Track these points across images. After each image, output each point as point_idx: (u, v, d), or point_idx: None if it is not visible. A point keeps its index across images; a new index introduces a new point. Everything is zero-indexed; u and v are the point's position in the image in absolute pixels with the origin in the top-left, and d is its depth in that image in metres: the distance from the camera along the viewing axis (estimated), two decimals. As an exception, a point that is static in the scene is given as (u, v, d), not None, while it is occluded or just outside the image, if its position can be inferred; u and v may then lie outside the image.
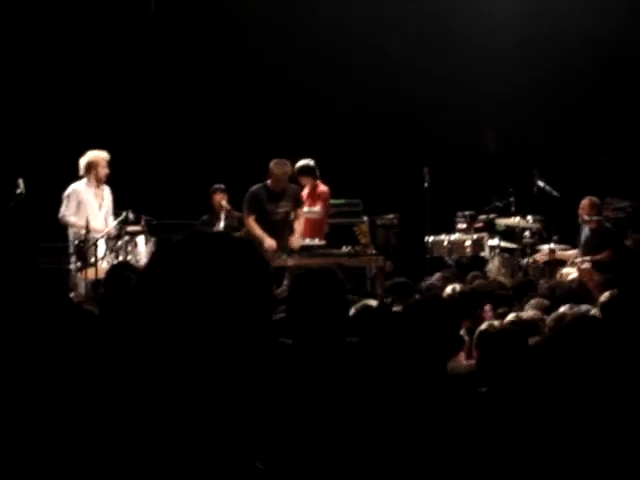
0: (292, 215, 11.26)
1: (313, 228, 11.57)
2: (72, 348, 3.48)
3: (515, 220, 12.36)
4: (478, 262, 12.20)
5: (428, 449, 3.38)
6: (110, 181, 10.94)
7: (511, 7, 14.31)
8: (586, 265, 11.22)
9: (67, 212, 10.68)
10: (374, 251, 11.44)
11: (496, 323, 5.22)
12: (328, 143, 13.44)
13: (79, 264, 10.33)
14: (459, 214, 12.88)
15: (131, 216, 10.71)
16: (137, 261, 10.02)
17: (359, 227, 11.89)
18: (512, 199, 12.40)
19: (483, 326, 4.96)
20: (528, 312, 5.97)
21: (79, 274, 10.32)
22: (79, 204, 10.66)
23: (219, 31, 14.29)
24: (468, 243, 12.48)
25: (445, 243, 12.52)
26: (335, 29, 14.02)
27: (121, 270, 7.59)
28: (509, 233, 12.59)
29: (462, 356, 5.80)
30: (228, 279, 1.66)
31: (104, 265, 9.97)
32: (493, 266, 11.95)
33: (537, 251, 12.14)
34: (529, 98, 13.89)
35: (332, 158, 12.32)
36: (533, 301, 7.03)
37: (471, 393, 3.80)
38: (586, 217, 11.47)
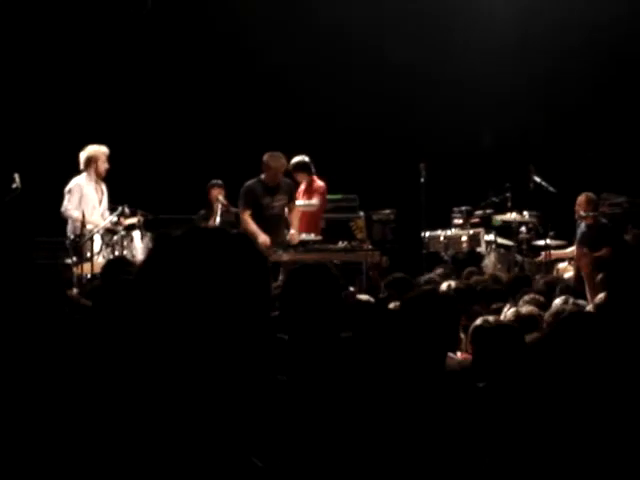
0: (287, 209, 11.26)
1: (309, 223, 11.57)
2: (69, 343, 3.48)
3: (511, 216, 12.37)
4: (474, 257, 12.21)
5: (425, 444, 3.38)
6: (106, 176, 10.93)
7: (511, 5, 14.32)
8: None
9: (70, 206, 10.67)
10: (370, 246, 11.45)
11: (491, 319, 5.21)
12: (325, 139, 13.45)
13: (75, 259, 10.32)
14: (455, 209, 12.90)
15: (127, 211, 10.71)
16: (133, 256, 10.01)
17: (355, 222, 11.90)
18: (508, 195, 12.41)
19: (478, 322, 4.96)
20: (526, 308, 5.97)
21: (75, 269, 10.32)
22: (81, 198, 10.66)
23: (218, 29, 14.31)
24: (464, 238, 12.50)
25: (441, 238, 12.53)
26: (335, 29, 14.03)
27: (117, 265, 7.58)
28: (505, 229, 12.60)
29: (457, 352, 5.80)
30: (226, 274, 1.66)
31: (100, 260, 9.96)
32: (489, 261, 11.97)
33: (533, 247, 12.17)
34: (528, 96, 13.90)
35: (329, 154, 12.32)
36: (527, 297, 7.03)
37: (469, 388, 3.80)
38: (582, 213, 11.47)
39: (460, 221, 12.72)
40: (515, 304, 6.96)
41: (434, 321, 3.90)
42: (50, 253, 11.06)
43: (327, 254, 10.83)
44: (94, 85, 13.70)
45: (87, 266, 10.13)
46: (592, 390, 3.41)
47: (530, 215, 12.39)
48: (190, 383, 1.63)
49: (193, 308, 1.63)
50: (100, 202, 10.81)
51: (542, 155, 12.98)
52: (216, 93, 14.24)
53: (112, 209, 10.80)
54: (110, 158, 10.85)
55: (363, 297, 6.86)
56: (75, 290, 9.30)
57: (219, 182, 12.43)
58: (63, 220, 10.82)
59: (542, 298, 6.97)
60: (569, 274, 10.92)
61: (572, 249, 11.85)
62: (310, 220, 11.62)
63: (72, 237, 10.43)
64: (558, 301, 6.58)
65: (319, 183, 11.70)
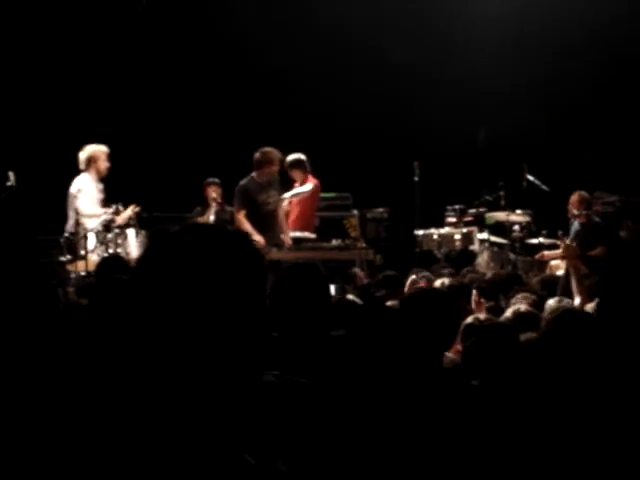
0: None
1: (303, 221, 11.58)
2: (64, 341, 3.48)
3: (504, 214, 12.39)
4: (467, 256, 12.23)
5: (421, 443, 3.39)
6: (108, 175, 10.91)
7: (511, 5, 14.34)
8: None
9: (85, 206, 10.62)
10: (364, 244, 11.46)
11: (482, 316, 5.23)
12: (320, 138, 13.45)
13: (69, 256, 10.30)
14: (449, 208, 12.91)
15: (121, 209, 10.70)
16: (127, 254, 9.99)
17: (349, 220, 11.92)
18: (502, 193, 12.43)
19: (469, 319, 4.97)
20: (525, 306, 5.97)
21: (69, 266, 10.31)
22: (90, 197, 10.65)
23: (217, 29, 14.30)
24: (458, 237, 12.51)
25: (435, 237, 12.55)
26: (335, 29, 14.03)
27: (112, 263, 7.57)
28: (498, 227, 12.62)
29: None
30: (223, 271, 1.66)
31: (94, 258, 9.95)
32: (482, 260, 11.98)
33: (526, 245, 12.18)
34: (528, 96, 13.91)
35: (323, 152, 12.33)
36: (520, 295, 7.04)
37: (463, 386, 3.81)
38: (575, 211, 11.49)
39: (453, 219, 12.74)
40: (507, 302, 6.97)
41: (432, 319, 3.90)
42: (44, 251, 11.04)
43: (321, 252, 10.83)
44: (90, 83, 13.68)
45: (81, 264, 10.12)
46: (588, 388, 3.42)
47: (523, 213, 12.41)
48: (186, 380, 1.62)
49: (189, 305, 1.63)
50: (100, 201, 10.80)
51: (536, 154, 13.00)
52: (214, 91, 14.24)
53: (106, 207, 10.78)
54: (107, 156, 10.84)
55: (350, 297, 6.85)
56: (69, 288, 9.30)
57: (216, 180, 12.44)
58: (62, 218, 10.80)
59: (535, 296, 6.98)
60: (562, 271, 10.94)
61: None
62: (304, 218, 11.63)
63: (66, 235, 10.40)
64: (551, 302, 6.59)
65: (313, 181, 11.71)
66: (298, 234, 11.27)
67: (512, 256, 12.02)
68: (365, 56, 14.26)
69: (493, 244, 12.37)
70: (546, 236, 11.97)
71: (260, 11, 14.17)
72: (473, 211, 12.77)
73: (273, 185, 11.14)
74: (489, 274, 9.26)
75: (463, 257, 12.13)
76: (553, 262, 11.46)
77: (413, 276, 7.66)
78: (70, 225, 10.64)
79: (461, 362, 4.52)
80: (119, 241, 10.30)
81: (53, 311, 3.62)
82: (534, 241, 12.04)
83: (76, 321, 4.07)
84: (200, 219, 11.78)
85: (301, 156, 11.58)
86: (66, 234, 10.47)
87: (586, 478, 3.26)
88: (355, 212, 12.51)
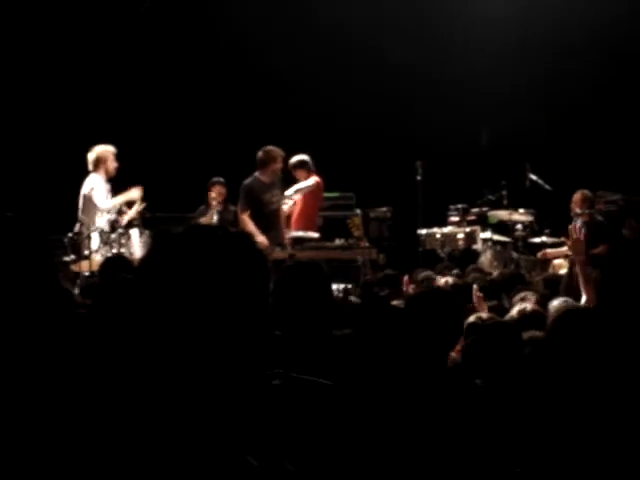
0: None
1: (307, 220, 11.59)
2: (67, 341, 3.49)
3: (507, 213, 12.39)
4: (470, 255, 12.22)
5: (426, 441, 3.39)
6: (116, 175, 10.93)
7: (511, 5, 14.33)
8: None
9: (103, 201, 10.63)
10: (367, 244, 11.46)
11: (484, 315, 5.22)
12: (323, 137, 13.45)
13: (73, 256, 10.31)
14: (452, 207, 12.90)
15: (124, 209, 10.71)
16: (131, 254, 10.00)
17: (352, 220, 11.90)
18: (504, 192, 12.42)
19: (471, 318, 4.97)
20: (531, 305, 5.95)
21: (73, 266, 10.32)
22: (104, 193, 10.67)
23: (218, 29, 14.29)
24: (461, 236, 12.50)
25: (438, 236, 12.54)
26: (335, 29, 14.02)
27: (115, 263, 7.58)
28: (501, 226, 12.62)
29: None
30: (226, 272, 1.66)
31: (98, 258, 9.96)
32: (485, 259, 11.98)
33: (529, 244, 12.18)
34: (528, 96, 13.90)
35: (326, 152, 12.33)
36: (522, 294, 7.03)
37: (467, 386, 3.81)
38: (578, 210, 11.48)
39: (456, 219, 12.73)
40: (510, 301, 6.97)
41: (439, 319, 3.90)
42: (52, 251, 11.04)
43: (324, 252, 10.84)
44: (93, 84, 13.69)
45: (85, 264, 10.13)
46: (592, 387, 3.42)
47: (526, 213, 12.41)
48: (188, 380, 1.63)
49: (192, 306, 1.64)
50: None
51: (539, 154, 12.99)
52: (215, 92, 14.24)
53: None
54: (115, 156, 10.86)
55: (353, 299, 6.86)
56: (72, 287, 9.32)
57: (220, 179, 12.45)
58: (65, 218, 10.80)
59: (538, 296, 6.98)
60: (564, 270, 10.94)
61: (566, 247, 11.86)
62: (307, 217, 11.63)
63: (70, 235, 10.41)
64: (556, 302, 6.58)
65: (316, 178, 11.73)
66: (301, 233, 11.28)
67: (515, 255, 12.02)
68: (365, 56, 14.25)
69: (496, 243, 12.36)
70: (549, 235, 11.96)
71: (260, 11, 14.17)
72: (476, 210, 12.76)
73: (276, 184, 11.17)
74: (495, 273, 9.26)
75: (466, 256, 12.12)
76: (556, 261, 11.46)
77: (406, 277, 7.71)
78: (80, 226, 10.60)
79: (461, 360, 4.52)
80: (123, 241, 10.31)
81: (67, 313, 3.63)
82: (537, 240, 12.03)
83: (82, 322, 4.09)
84: (203, 219, 11.78)
85: (304, 157, 11.61)
86: (71, 234, 10.46)
87: (587, 476, 3.26)
88: (358, 211, 12.50)
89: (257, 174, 11.07)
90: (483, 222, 12.62)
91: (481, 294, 6.30)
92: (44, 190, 12.19)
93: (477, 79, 14.00)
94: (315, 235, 11.37)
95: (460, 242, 12.48)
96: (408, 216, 12.77)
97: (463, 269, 9.98)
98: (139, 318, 1.68)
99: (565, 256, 11.53)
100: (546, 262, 11.62)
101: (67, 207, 10.97)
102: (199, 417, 1.63)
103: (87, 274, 9.97)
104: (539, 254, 11.87)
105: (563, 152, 13.67)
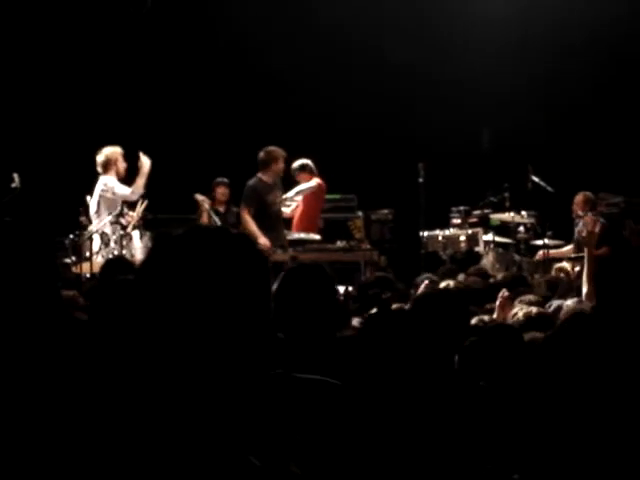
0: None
1: (308, 221, 11.59)
2: (67, 343, 3.48)
3: (509, 215, 12.38)
4: (473, 257, 12.21)
5: (431, 443, 3.38)
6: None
7: (511, 5, 14.32)
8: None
9: (127, 189, 10.60)
10: (369, 246, 11.46)
11: (486, 318, 5.21)
12: (324, 139, 13.45)
13: (74, 258, 10.31)
14: (454, 209, 12.90)
15: (125, 210, 10.70)
16: (132, 255, 10.00)
17: (354, 222, 11.91)
18: (506, 194, 12.41)
19: (473, 321, 4.96)
20: (534, 308, 5.94)
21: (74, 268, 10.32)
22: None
23: (218, 29, 14.30)
24: (463, 238, 12.50)
25: (440, 238, 12.53)
26: (335, 29, 14.03)
27: (116, 265, 7.57)
28: (503, 228, 12.61)
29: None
30: (226, 274, 1.66)
31: (99, 259, 9.96)
32: (487, 261, 11.96)
33: (531, 246, 12.17)
34: (528, 96, 13.90)
35: (327, 153, 12.33)
36: (525, 297, 7.01)
37: (471, 387, 3.80)
38: (580, 212, 11.47)
39: (458, 221, 12.72)
40: (512, 304, 6.94)
41: (445, 321, 3.89)
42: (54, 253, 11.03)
43: (325, 253, 10.84)
44: (94, 85, 13.69)
45: (86, 265, 10.13)
46: (592, 390, 3.41)
47: (528, 215, 12.39)
48: (188, 381, 1.63)
49: (193, 307, 1.64)
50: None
51: (539, 155, 12.99)
52: (215, 92, 14.24)
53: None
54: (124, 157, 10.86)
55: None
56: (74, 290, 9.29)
57: (224, 180, 12.48)
58: (65, 220, 10.78)
59: (540, 298, 6.96)
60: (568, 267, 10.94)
61: (568, 248, 11.85)
62: (308, 219, 11.64)
63: (71, 237, 10.39)
64: (556, 302, 6.56)
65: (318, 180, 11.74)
66: (303, 235, 11.28)
67: (517, 257, 12.00)
68: (365, 56, 14.25)
69: (498, 245, 12.35)
70: (551, 237, 11.95)
71: (260, 11, 14.17)
72: (478, 212, 12.75)
73: (278, 185, 11.19)
74: (499, 276, 9.23)
75: (468, 259, 12.11)
76: (558, 265, 11.44)
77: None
78: (97, 224, 10.54)
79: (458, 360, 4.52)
80: (124, 243, 10.30)
81: (55, 311, 3.61)
82: (539, 242, 12.02)
83: (76, 323, 4.07)
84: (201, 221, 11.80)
85: (306, 160, 11.64)
86: (89, 233, 10.40)
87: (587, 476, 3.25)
88: (360, 214, 12.51)
89: (259, 175, 11.07)
90: (485, 224, 12.61)
91: (508, 294, 6.27)
92: (44, 190, 12.17)
93: (477, 79, 14.00)
94: (316, 237, 11.37)
95: (462, 244, 12.47)
96: (410, 218, 12.76)
97: (465, 272, 9.96)
98: (139, 319, 1.68)
99: (568, 258, 11.51)
100: (548, 264, 11.61)
101: (67, 208, 10.97)
102: (200, 418, 1.62)
103: (88, 276, 9.96)
104: (537, 254, 11.87)
105: (564, 153, 13.66)
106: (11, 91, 13.45)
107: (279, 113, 13.98)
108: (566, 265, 11.31)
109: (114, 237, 10.32)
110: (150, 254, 1.74)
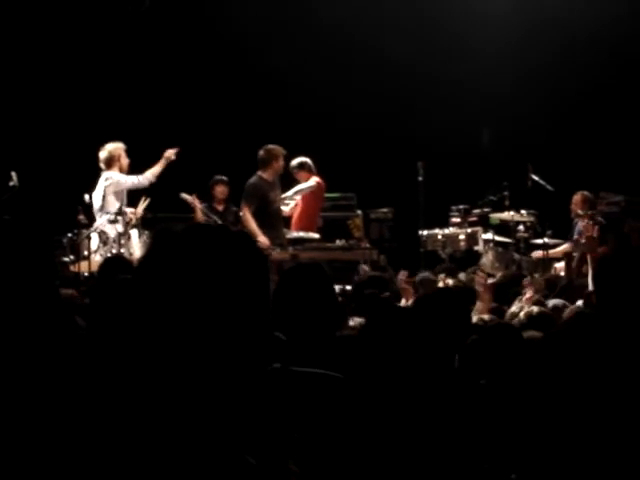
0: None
1: (307, 220, 11.59)
2: (66, 342, 3.47)
3: (509, 214, 12.37)
4: (472, 256, 12.21)
5: (431, 441, 3.37)
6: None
7: (511, 5, 14.32)
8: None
9: (135, 178, 10.61)
10: (368, 245, 11.46)
11: (486, 317, 5.22)
12: (323, 138, 13.46)
13: (72, 257, 10.30)
14: (453, 208, 12.89)
15: (124, 209, 10.69)
16: (130, 254, 10.00)
17: (353, 221, 11.90)
18: (506, 193, 12.41)
19: (473, 319, 4.96)
20: (535, 308, 5.95)
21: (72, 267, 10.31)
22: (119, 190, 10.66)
23: (218, 29, 14.30)
24: (462, 237, 12.50)
25: (439, 237, 12.53)
26: (335, 29, 14.03)
27: (114, 263, 7.56)
28: (503, 227, 12.61)
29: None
30: (225, 271, 1.66)
31: (97, 258, 9.95)
32: (487, 260, 11.96)
33: (531, 245, 12.17)
34: (528, 95, 13.90)
35: (327, 152, 12.33)
36: (524, 296, 7.02)
37: (472, 386, 3.80)
38: (579, 212, 11.47)
39: (458, 220, 12.71)
40: (510, 303, 6.96)
41: (447, 319, 3.88)
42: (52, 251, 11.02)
43: (324, 252, 10.84)
44: (92, 83, 13.69)
45: (84, 264, 10.12)
46: (595, 390, 3.41)
47: (528, 214, 12.39)
48: (187, 380, 1.62)
49: (192, 305, 1.63)
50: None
51: (541, 154, 12.99)
52: (215, 92, 14.24)
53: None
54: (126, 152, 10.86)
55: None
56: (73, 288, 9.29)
57: (223, 178, 12.48)
58: (63, 218, 10.77)
59: (540, 297, 6.97)
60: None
61: (565, 246, 11.83)
62: (307, 218, 11.64)
63: (69, 235, 10.38)
64: (553, 301, 6.57)
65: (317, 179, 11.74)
66: (302, 234, 11.28)
67: (517, 256, 12.00)
68: (365, 56, 14.26)
69: (498, 244, 12.35)
70: (551, 236, 11.94)
71: (260, 11, 14.17)
72: (477, 211, 12.75)
73: (277, 183, 11.22)
74: (498, 276, 9.24)
75: (468, 257, 12.11)
76: (557, 265, 11.44)
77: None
78: (103, 219, 10.51)
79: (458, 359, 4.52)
80: (122, 241, 10.29)
81: (53, 310, 3.60)
82: (539, 241, 12.02)
83: (74, 323, 4.06)
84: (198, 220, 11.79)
85: (304, 158, 11.64)
86: (100, 227, 10.38)
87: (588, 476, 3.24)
88: (359, 212, 12.51)
89: (260, 173, 11.08)
90: (485, 223, 12.61)
91: (488, 280, 6.27)
92: (42, 188, 12.16)
93: (477, 79, 14.00)
94: (316, 236, 11.37)
95: (462, 243, 12.47)
96: (409, 217, 12.76)
97: (464, 270, 9.97)
98: (138, 317, 1.67)
99: (565, 255, 11.49)
100: (548, 263, 11.61)
101: (65, 207, 10.96)
102: (197, 416, 1.62)
103: (86, 274, 9.95)
104: (534, 254, 11.87)
105: (564, 152, 13.66)
106: (9, 89, 13.44)
107: (279, 112, 13.98)
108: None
109: (112, 236, 10.31)
110: (149, 251, 1.74)
